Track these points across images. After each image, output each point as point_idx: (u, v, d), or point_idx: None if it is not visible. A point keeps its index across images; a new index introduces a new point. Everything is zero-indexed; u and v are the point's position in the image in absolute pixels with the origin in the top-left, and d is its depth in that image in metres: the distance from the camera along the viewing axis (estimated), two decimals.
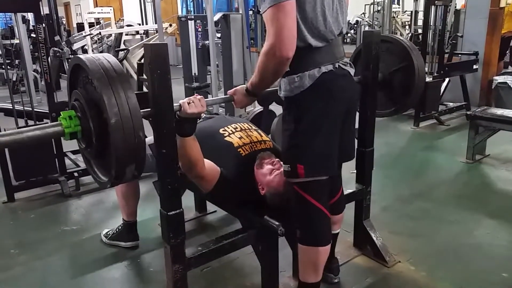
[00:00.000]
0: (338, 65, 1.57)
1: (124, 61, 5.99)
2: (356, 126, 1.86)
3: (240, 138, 1.97)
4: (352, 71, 1.65)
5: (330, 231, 1.75)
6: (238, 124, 2.08)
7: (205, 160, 1.76)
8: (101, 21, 8.30)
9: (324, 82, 1.52)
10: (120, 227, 2.40)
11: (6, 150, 2.95)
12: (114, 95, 1.24)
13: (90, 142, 1.35)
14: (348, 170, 1.88)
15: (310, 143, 1.55)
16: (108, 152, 1.32)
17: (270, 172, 1.79)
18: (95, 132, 1.32)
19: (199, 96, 1.59)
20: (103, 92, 1.24)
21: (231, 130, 2.01)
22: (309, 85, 1.51)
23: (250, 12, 9.36)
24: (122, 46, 6.40)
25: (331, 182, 1.75)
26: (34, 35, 6.06)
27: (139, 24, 8.71)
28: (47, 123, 3.10)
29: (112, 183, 1.38)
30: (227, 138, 1.96)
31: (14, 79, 6.76)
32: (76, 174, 3.22)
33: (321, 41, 1.51)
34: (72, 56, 7.57)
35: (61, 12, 14.35)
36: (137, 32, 7.22)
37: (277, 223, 1.70)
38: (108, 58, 1.33)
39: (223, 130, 2.00)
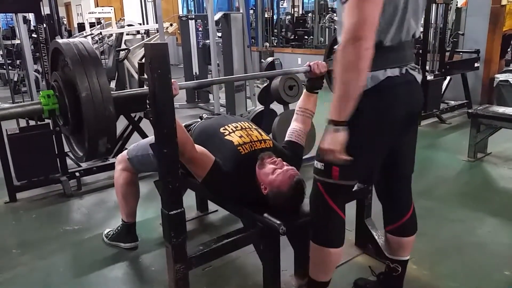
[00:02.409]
0: (406, 70, 1.44)
1: (125, 61, 6.00)
2: None
3: (240, 137, 1.97)
4: (419, 77, 1.51)
5: (343, 234, 1.67)
6: (239, 123, 2.08)
7: (198, 146, 1.79)
8: (102, 21, 8.31)
9: (386, 87, 1.39)
10: (119, 228, 2.40)
11: (8, 150, 2.96)
12: (85, 72, 1.33)
13: (66, 119, 1.43)
14: None
15: (354, 149, 1.38)
16: (82, 127, 1.39)
17: (272, 172, 1.78)
18: (70, 109, 1.40)
19: (172, 80, 1.58)
20: (76, 70, 1.33)
21: (231, 129, 2.01)
22: (370, 87, 1.38)
23: (251, 11, 9.36)
24: (123, 46, 6.41)
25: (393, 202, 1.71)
26: (35, 35, 6.06)
27: (140, 24, 8.71)
28: (48, 123, 3.13)
29: (87, 157, 1.44)
30: (227, 137, 1.96)
31: (16, 79, 6.77)
32: (77, 174, 3.23)
33: (392, 40, 1.38)
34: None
35: (62, 12, 14.36)
36: (138, 32, 7.22)
37: (278, 222, 1.70)
38: (82, 41, 1.42)
39: (223, 129, 2.01)
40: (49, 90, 1.44)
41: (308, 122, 2.12)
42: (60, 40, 1.40)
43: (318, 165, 1.52)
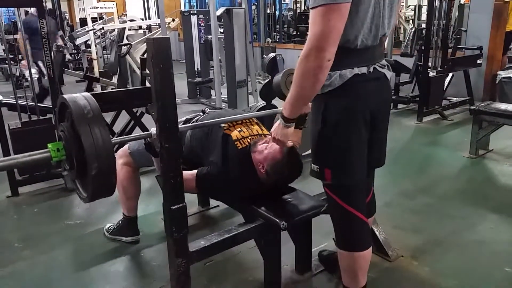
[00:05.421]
0: (374, 68, 1.46)
1: (127, 56, 5.99)
2: None
3: (240, 131, 1.97)
4: (389, 74, 1.53)
5: (367, 236, 1.64)
6: None
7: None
8: (104, 16, 8.31)
9: (353, 84, 1.41)
10: (120, 222, 2.41)
11: (10, 143, 2.97)
12: (92, 137, 1.39)
13: (72, 166, 1.51)
14: None
15: (335, 148, 1.47)
16: (86, 175, 1.48)
17: (265, 148, 1.80)
18: (76, 162, 1.47)
19: None
20: (83, 136, 1.39)
21: (231, 123, 2.01)
22: (338, 85, 1.40)
23: (253, 7, 9.33)
24: (125, 41, 6.39)
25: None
26: None
27: (142, 19, 8.70)
28: (50, 118, 3.14)
29: (90, 201, 1.55)
30: (226, 131, 1.97)
31: (17, 74, 6.77)
32: None
33: (360, 44, 1.39)
34: (76, 51, 7.58)
35: (64, 7, 14.34)
36: (140, 27, 7.22)
37: (279, 217, 1.70)
38: (87, 98, 1.47)
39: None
40: (59, 142, 1.51)
41: None
42: (66, 96, 1.47)
43: (315, 167, 1.54)
